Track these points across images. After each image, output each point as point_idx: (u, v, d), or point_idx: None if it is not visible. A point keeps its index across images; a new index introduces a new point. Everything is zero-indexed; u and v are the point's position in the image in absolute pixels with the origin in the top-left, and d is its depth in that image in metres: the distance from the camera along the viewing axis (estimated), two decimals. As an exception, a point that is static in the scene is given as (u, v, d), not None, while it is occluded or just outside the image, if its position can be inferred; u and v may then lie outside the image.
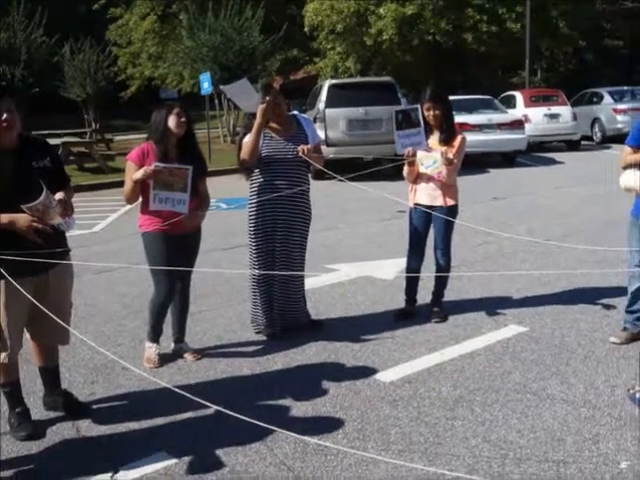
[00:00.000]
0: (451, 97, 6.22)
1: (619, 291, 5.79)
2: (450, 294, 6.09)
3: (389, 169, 6.50)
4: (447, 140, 5.58)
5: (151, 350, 5.07)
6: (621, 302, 5.52)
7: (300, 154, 5.23)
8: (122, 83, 30.60)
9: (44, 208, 3.68)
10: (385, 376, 4.71)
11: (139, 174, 4.69)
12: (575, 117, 19.46)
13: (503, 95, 21.57)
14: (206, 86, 18.95)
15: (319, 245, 8.07)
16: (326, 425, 4.04)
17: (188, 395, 3.20)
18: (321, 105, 15.22)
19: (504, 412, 4.11)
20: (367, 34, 27.65)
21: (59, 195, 3.82)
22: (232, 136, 22.00)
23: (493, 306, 6.03)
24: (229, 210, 10.46)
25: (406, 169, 5.69)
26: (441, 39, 27.38)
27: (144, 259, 5.03)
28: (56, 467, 3.69)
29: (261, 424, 2.99)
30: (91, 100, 24.49)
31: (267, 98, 5.18)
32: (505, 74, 32.98)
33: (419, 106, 5.60)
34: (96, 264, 7.49)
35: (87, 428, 4.12)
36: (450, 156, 5.44)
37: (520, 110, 19.46)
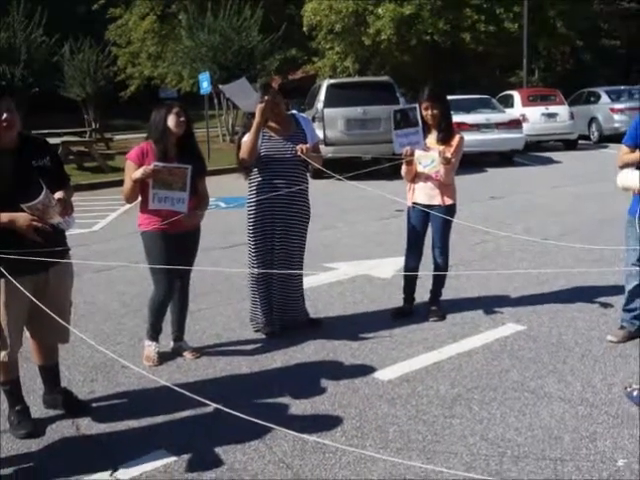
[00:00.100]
0: (449, 97, 6.23)
1: (616, 290, 5.81)
2: (448, 293, 6.10)
3: (387, 168, 6.51)
4: (445, 139, 5.60)
5: (150, 348, 5.08)
6: (618, 301, 5.54)
7: (299, 153, 5.24)
8: (122, 83, 30.62)
9: (44, 207, 3.69)
10: (383, 374, 4.72)
11: (138, 173, 4.70)
12: (572, 116, 19.49)
13: (501, 95, 21.59)
14: (205, 86, 18.97)
15: (318, 244, 8.07)
16: (325, 423, 4.05)
17: (187, 393, 3.21)
18: (320, 105, 15.23)
19: (502, 410, 4.12)
20: (365, 34, 27.69)
21: (59, 194, 3.83)
22: (231, 135, 22.02)
23: (491, 305, 6.04)
24: (228, 209, 10.48)
25: (404, 168, 5.71)
26: (439, 39, 27.42)
27: (143, 258, 5.04)
28: (56, 465, 3.69)
29: (260, 422, 3.00)
30: (91, 100, 24.50)
31: (266, 98, 5.19)
32: (503, 74, 33.01)
33: (417, 105, 5.61)
34: (96, 263, 7.50)
35: (87, 426, 4.12)
36: (448, 155, 5.46)
37: (518, 109, 19.50)
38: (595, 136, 21.17)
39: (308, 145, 5.29)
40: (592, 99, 22.01)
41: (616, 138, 17.16)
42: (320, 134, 13.82)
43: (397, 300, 6.06)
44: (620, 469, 3.46)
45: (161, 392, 4.33)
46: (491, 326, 5.58)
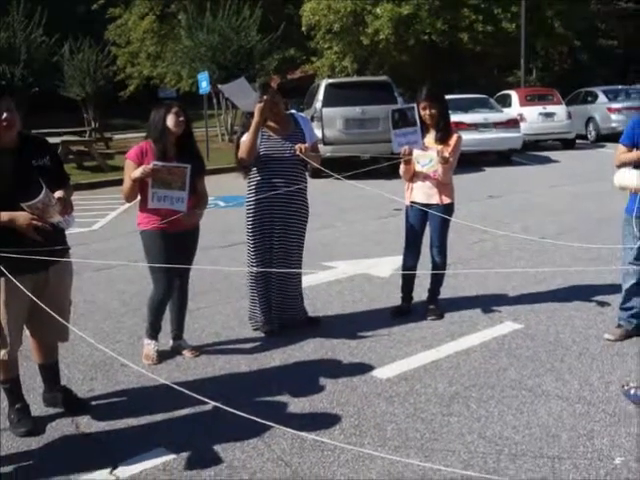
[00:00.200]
0: (447, 96, 6.23)
1: (613, 288, 5.83)
2: (446, 291, 6.11)
3: (385, 168, 6.53)
4: (443, 139, 5.62)
5: (150, 347, 5.09)
6: (615, 299, 5.55)
7: (297, 153, 5.25)
8: (121, 82, 30.59)
9: (44, 206, 3.70)
10: (381, 373, 4.73)
11: (138, 172, 4.71)
12: (570, 116, 19.51)
13: (499, 94, 21.62)
14: (204, 85, 18.98)
15: (316, 243, 8.09)
16: (323, 421, 4.06)
17: (186, 391, 3.23)
18: (318, 104, 15.24)
19: (499, 408, 4.14)
20: (364, 34, 27.71)
21: (58, 193, 3.84)
22: (230, 135, 22.05)
23: (489, 303, 6.06)
24: (227, 208, 10.49)
25: (402, 167, 5.72)
26: (437, 39, 27.44)
27: (143, 257, 5.06)
28: (56, 463, 3.70)
29: (259, 420, 3.02)
30: (90, 99, 24.48)
31: (265, 97, 5.20)
32: (501, 73, 33.04)
33: (415, 105, 5.62)
34: (95, 262, 7.51)
35: (86, 424, 4.14)
36: (446, 155, 5.47)
37: (515, 109, 19.52)
38: (592, 135, 21.20)
39: (307, 144, 5.31)
40: (589, 99, 22.04)
41: (613, 137, 17.28)
42: (319, 133, 13.88)
43: (395, 299, 6.07)
44: (617, 467, 3.47)
45: (160, 390, 4.34)
46: (489, 325, 5.60)
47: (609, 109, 20.58)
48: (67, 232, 4.13)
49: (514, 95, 20.72)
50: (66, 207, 3.90)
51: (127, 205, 7.06)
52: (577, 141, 20.08)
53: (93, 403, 4.42)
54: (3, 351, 3.88)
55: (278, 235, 5.37)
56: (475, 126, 16.40)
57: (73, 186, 4.33)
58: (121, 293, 6.84)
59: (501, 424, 3.94)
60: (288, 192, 5.30)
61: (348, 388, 4.50)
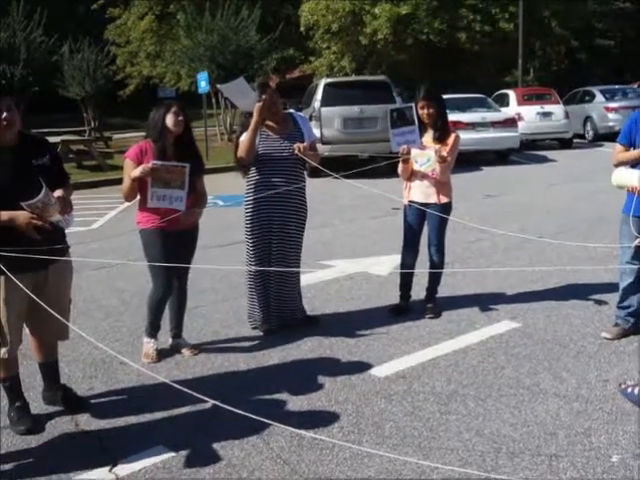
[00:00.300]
0: (445, 96, 6.26)
1: (610, 287, 5.85)
2: (444, 290, 6.13)
3: (384, 167, 6.55)
4: (441, 138, 5.63)
5: (149, 345, 5.11)
6: (612, 298, 5.57)
7: (296, 152, 5.27)
8: (120, 82, 30.54)
9: (43, 205, 3.70)
10: (380, 371, 4.75)
11: (137, 172, 4.72)
12: (567, 115, 19.53)
13: (496, 94, 21.65)
14: (203, 85, 19.00)
15: (315, 242, 8.10)
16: (321, 419, 4.07)
17: (185, 390, 3.24)
18: (317, 104, 15.25)
19: (497, 406, 4.15)
20: (362, 33, 27.73)
21: (58, 192, 3.85)
22: (229, 134, 22.05)
23: (486, 302, 6.07)
24: (226, 207, 10.48)
25: (401, 167, 5.74)
26: (435, 38, 27.45)
27: (142, 255, 5.06)
28: (55, 461, 3.71)
29: (257, 418, 3.03)
30: (90, 99, 24.46)
31: (264, 97, 5.22)
32: (498, 73, 33.05)
33: (413, 105, 5.64)
34: (95, 260, 7.52)
35: (86, 422, 4.15)
36: (444, 154, 5.49)
37: (513, 108, 19.52)
38: (590, 135, 21.22)
39: (305, 144, 5.32)
40: (587, 98, 22.06)
41: (611, 137, 17.31)
42: (317, 133, 13.89)
43: (394, 297, 6.09)
44: (614, 465, 3.48)
45: (160, 388, 4.34)
46: (487, 323, 5.61)
47: (606, 108, 20.61)
48: (67, 231, 4.14)
49: (512, 94, 20.74)
50: (66, 206, 3.92)
51: (126, 204, 7.07)
52: (575, 140, 20.10)
53: (93, 401, 4.43)
54: (3, 349, 3.89)
55: (277, 234, 5.38)
56: (473, 125, 16.41)
57: (73, 185, 4.34)
58: (120, 292, 6.85)
59: (499, 422, 3.96)
60: (287, 191, 5.31)
61: (346, 386, 4.51)
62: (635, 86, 25.85)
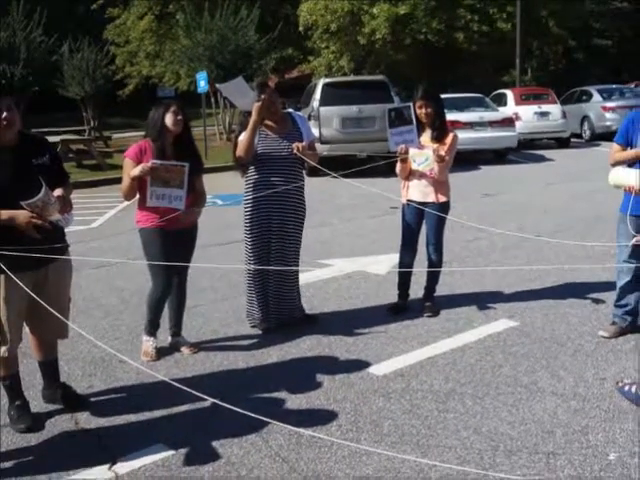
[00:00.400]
0: (443, 95, 6.28)
1: (608, 286, 5.86)
2: (442, 289, 6.15)
3: (382, 166, 6.57)
4: (439, 137, 5.65)
5: (148, 344, 5.12)
6: (610, 297, 5.58)
7: (295, 151, 5.28)
8: (120, 82, 30.52)
9: (43, 204, 3.72)
10: (378, 369, 4.76)
11: (137, 171, 4.73)
12: (565, 115, 19.55)
13: (494, 93, 21.67)
14: (202, 84, 19.00)
15: (313, 241, 8.12)
16: (320, 417, 4.09)
17: (185, 388, 3.24)
18: (315, 103, 15.26)
19: (495, 405, 4.17)
20: (360, 33, 27.76)
21: (58, 192, 3.86)
22: (228, 134, 22.03)
23: (484, 301, 6.09)
24: (225, 206, 10.50)
25: (399, 166, 5.75)
26: (433, 38, 27.48)
27: (142, 254, 5.07)
28: (55, 459, 3.72)
29: (256, 416, 3.04)
30: (89, 98, 24.44)
31: (262, 96, 5.23)
32: (496, 73, 33.08)
33: (412, 104, 5.65)
34: (94, 259, 7.52)
35: (85, 420, 4.16)
36: (442, 153, 5.51)
37: (511, 108, 19.55)
38: (587, 134, 21.24)
39: (304, 143, 5.33)
40: (584, 98, 22.08)
41: (608, 136, 17.29)
42: (316, 132, 13.89)
43: (392, 296, 6.11)
44: (612, 463, 3.49)
45: (159, 387, 4.35)
46: (484, 322, 5.63)
47: (604, 108, 20.63)
48: (66, 230, 4.15)
49: (509, 94, 20.77)
50: (65, 205, 3.93)
51: (126, 203, 7.08)
52: (572, 140, 20.12)
53: (92, 399, 4.44)
54: (3, 348, 3.90)
55: (276, 233, 5.40)
56: (471, 125, 16.45)
57: (72, 184, 4.35)
58: (120, 290, 6.86)
59: (496, 420, 3.97)
60: (286, 190, 5.32)
61: (345, 385, 4.53)
62: (632, 86, 25.92)
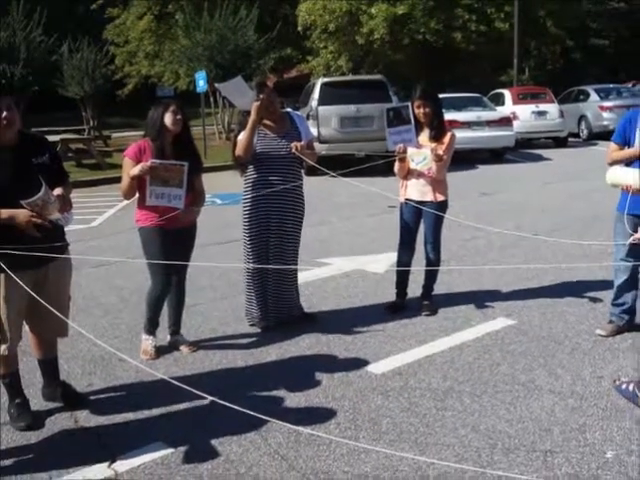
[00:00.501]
0: (441, 95, 6.29)
1: (605, 284, 5.88)
2: (440, 288, 6.16)
3: (380, 165, 6.58)
4: (437, 137, 5.66)
5: (148, 342, 5.13)
6: (607, 295, 5.59)
7: (293, 151, 5.29)
8: (119, 81, 30.48)
9: (43, 203, 3.73)
10: (376, 368, 4.77)
11: (136, 170, 4.75)
12: (562, 114, 19.58)
13: (492, 93, 21.68)
14: (201, 84, 19.00)
15: (312, 240, 8.13)
16: (319, 415, 4.10)
17: (184, 386, 3.24)
18: (314, 103, 15.27)
19: (493, 403, 4.18)
20: (359, 33, 27.77)
21: (58, 191, 3.87)
22: (227, 133, 22.03)
23: (482, 299, 6.10)
24: (224, 205, 10.52)
25: (397, 165, 5.77)
26: (431, 38, 27.49)
27: (141, 253, 5.08)
28: (55, 457, 3.73)
29: (255, 414, 3.04)
30: (89, 98, 24.42)
31: (261, 96, 5.24)
32: (494, 72, 33.08)
33: (410, 104, 5.67)
34: (94, 258, 7.54)
35: (85, 418, 4.17)
36: (440, 152, 5.53)
37: (508, 108, 19.57)
38: (584, 134, 21.25)
39: (302, 142, 5.35)
40: (581, 97, 22.10)
41: (605, 135, 17.36)
42: (314, 132, 13.87)
43: (390, 295, 6.12)
44: (609, 461, 3.50)
45: (158, 385, 4.37)
46: (482, 320, 5.64)
47: (601, 107, 20.64)
48: (66, 229, 4.16)
49: (507, 94, 20.80)
50: (65, 204, 3.94)
51: (125, 202, 7.09)
52: (569, 139, 20.15)
53: (92, 398, 4.45)
54: (3, 346, 3.91)
55: (274, 232, 5.41)
56: (468, 124, 16.46)
57: (72, 183, 4.36)
58: (119, 289, 6.87)
59: (494, 418, 3.98)
60: (284, 189, 5.33)
61: (343, 383, 4.54)
62: (629, 85, 25.92)
